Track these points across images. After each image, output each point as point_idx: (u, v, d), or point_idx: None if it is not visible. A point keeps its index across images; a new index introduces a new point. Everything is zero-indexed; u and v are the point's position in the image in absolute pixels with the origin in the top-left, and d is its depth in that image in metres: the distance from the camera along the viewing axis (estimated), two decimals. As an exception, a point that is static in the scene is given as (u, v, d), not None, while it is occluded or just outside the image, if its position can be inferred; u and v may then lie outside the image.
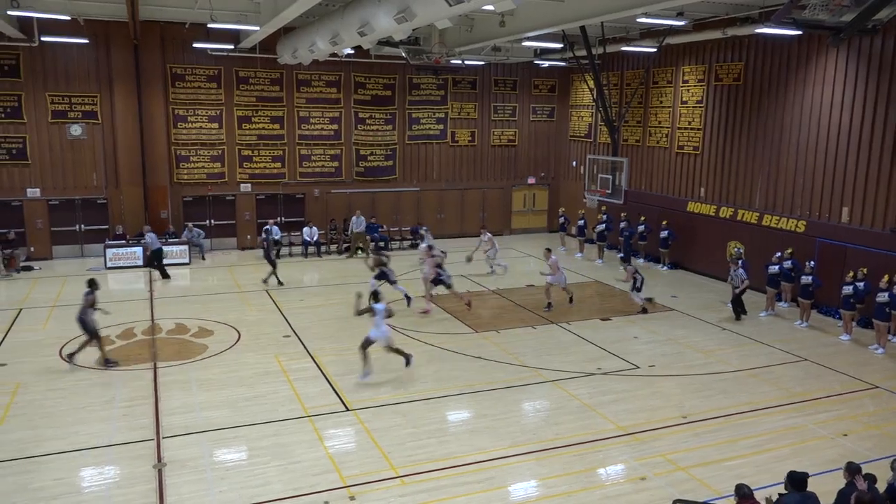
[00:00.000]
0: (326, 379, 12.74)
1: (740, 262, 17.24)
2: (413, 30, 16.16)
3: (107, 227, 22.90)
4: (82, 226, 22.84)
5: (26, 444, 10.07)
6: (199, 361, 13.65)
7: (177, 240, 22.49)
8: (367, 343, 12.63)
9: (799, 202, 18.56)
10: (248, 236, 24.81)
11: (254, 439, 10.37)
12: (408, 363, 12.91)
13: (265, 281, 19.72)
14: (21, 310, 16.89)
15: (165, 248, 21.40)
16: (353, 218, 24.34)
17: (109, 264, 21.40)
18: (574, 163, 28.25)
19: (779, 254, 17.54)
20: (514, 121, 28.19)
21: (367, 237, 24.60)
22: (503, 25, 17.08)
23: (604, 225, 23.62)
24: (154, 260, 20.48)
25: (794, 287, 17.46)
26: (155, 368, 13.17)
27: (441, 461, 9.77)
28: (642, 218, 22.90)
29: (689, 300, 18.64)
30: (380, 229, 25.38)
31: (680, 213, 22.22)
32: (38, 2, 16.42)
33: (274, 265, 19.91)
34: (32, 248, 21.97)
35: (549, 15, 15.73)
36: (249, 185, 24.62)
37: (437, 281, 17.34)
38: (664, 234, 22.15)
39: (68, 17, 17.78)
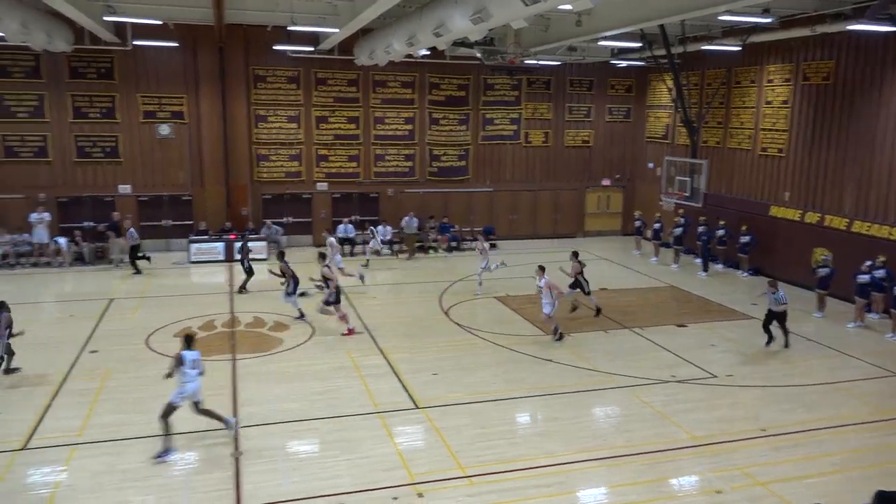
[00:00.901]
0: (397, 376, 12.89)
1: (777, 291, 14.63)
2: (488, 30, 16.15)
3: (191, 222, 23.87)
4: (169, 221, 23.89)
5: (115, 427, 10.60)
6: (275, 355, 14.04)
7: (256, 236, 23.21)
8: (169, 410, 9.89)
9: (893, 207, 17.58)
10: (324, 234, 25.34)
11: (325, 433, 10.60)
12: (227, 427, 10.37)
13: (242, 289, 18.84)
14: (111, 300, 17.79)
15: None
16: (405, 218, 24.47)
17: (193, 258, 22.29)
18: (651, 165, 27.62)
19: (869, 262, 16.62)
20: (589, 121, 27.80)
21: (440, 236, 24.76)
22: (580, 25, 16.86)
23: (681, 228, 23.00)
24: (132, 253, 20.94)
25: (885, 298, 16.53)
26: (234, 360, 13.62)
27: (510, 463, 9.73)
28: (721, 222, 22.18)
29: (770, 308, 17.91)
30: (452, 229, 25.50)
31: (762, 217, 21.39)
32: (132, 8, 17.28)
33: (250, 273, 19.03)
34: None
35: (627, 13, 15.43)
36: (325, 183, 25.18)
37: (327, 301, 15.31)
38: (745, 238, 21.38)
39: (160, 22, 18.65)
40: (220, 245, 22.40)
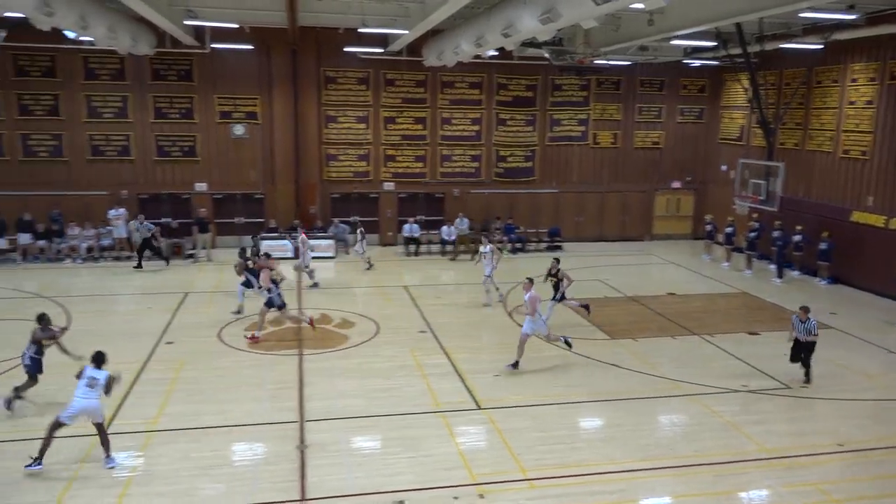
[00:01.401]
0: (459, 376, 12.93)
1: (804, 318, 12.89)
2: (557, 30, 16.03)
3: (262, 220, 24.56)
4: (241, 218, 24.65)
5: (188, 416, 11.01)
6: (340, 351, 14.31)
7: (323, 234, 23.69)
8: (54, 425, 9.31)
9: None
10: (390, 233, 25.69)
11: (388, 430, 10.73)
12: (108, 459, 9.53)
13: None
14: (187, 294, 18.47)
15: (312, 242, 22.63)
16: (457, 220, 24.40)
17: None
18: (724, 167, 26.78)
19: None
20: (659, 122, 27.21)
21: (505, 238, 24.72)
22: (652, 24, 16.54)
23: (755, 233, 22.23)
24: (142, 246, 21.37)
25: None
26: (300, 355, 13.94)
27: (571, 468, 9.64)
28: (798, 227, 21.33)
29: (850, 318, 17.12)
30: (516, 230, 25.40)
31: (843, 222, 20.47)
32: (211, 12, 17.92)
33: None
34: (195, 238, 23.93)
35: (702, 11, 15.03)
36: (392, 183, 25.48)
37: (269, 303, 14.74)
38: (824, 245, 20.50)
39: (236, 25, 19.27)
40: (288, 242, 22.95)
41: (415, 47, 22.68)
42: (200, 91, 23.52)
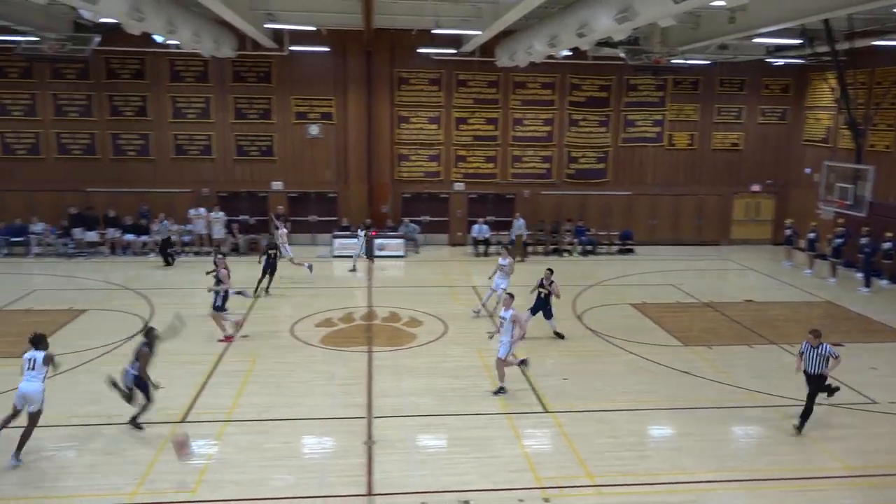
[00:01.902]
0: (526, 378, 12.84)
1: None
2: (633, 29, 15.72)
3: (335, 218, 25.08)
4: (315, 217, 25.22)
5: (261, 408, 11.34)
6: (408, 349, 14.45)
7: (394, 234, 23.98)
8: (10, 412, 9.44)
9: None
10: (459, 233, 25.77)
11: (454, 429, 10.77)
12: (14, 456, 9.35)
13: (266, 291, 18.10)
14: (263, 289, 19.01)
15: (383, 241, 23.09)
16: (515, 221, 24.11)
17: (335, 253, 23.38)
18: (808, 170, 25.65)
19: None
20: (739, 123, 26.31)
21: (575, 240, 24.45)
22: (733, 21, 16.02)
23: (841, 239, 21.20)
24: (165, 246, 21.78)
25: None
26: (370, 352, 14.16)
27: (640, 476, 9.44)
28: (888, 234, 20.22)
29: (944, 331, 16.14)
30: (587, 233, 25.05)
31: (938, 230, 19.29)
32: (290, 15, 18.41)
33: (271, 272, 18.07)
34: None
35: (787, 8, 14.42)
36: (462, 183, 25.55)
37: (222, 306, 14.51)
38: (916, 253, 19.39)
39: (314, 28, 19.73)
40: (358, 241, 23.31)
41: (487, 48, 22.67)
42: (278, 92, 24.20)
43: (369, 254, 22.38)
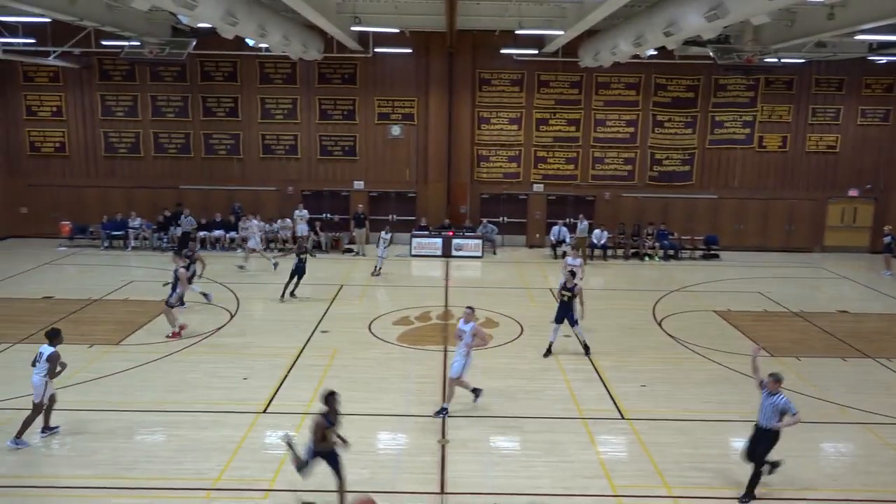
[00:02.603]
0: (603, 383, 12.64)
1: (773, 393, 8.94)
2: (724, 27, 15.20)
3: (413, 218, 25.38)
4: (394, 216, 25.62)
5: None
6: (484, 350, 14.41)
7: (472, 234, 24.06)
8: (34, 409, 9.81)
9: None
10: (538, 235, 25.61)
11: (528, 432, 10.70)
12: (14, 439, 9.79)
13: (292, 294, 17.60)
14: (342, 286, 19.47)
15: (461, 242, 23.21)
16: (578, 224, 23.62)
17: (414, 252, 23.67)
18: (911, 174, 24.17)
19: None
20: (836, 125, 25.02)
21: (657, 244, 23.87)
22: (832, 18, 15.24)
23: (947, 249, 19.86)
24: (185, 240, 22.04)
25: None
26: (445, 351, 14.25)
27: (722, 490, 9.13)
28: None
29: None
30: (670, 236, 24.40)
31: None
32: (375, 18, 18.78)
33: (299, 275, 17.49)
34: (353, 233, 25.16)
35: (892, 2, 13.61)
36: (542, 185, 25.37)
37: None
38: None
39: (397, 30, 20.04)
40: (438, 241, 23.55)
41: (570, 48, 22.41)
42: (361, 93, 24.72)
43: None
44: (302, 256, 17.58)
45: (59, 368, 9.87)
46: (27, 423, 9.85)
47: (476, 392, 11.49)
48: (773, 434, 8.72)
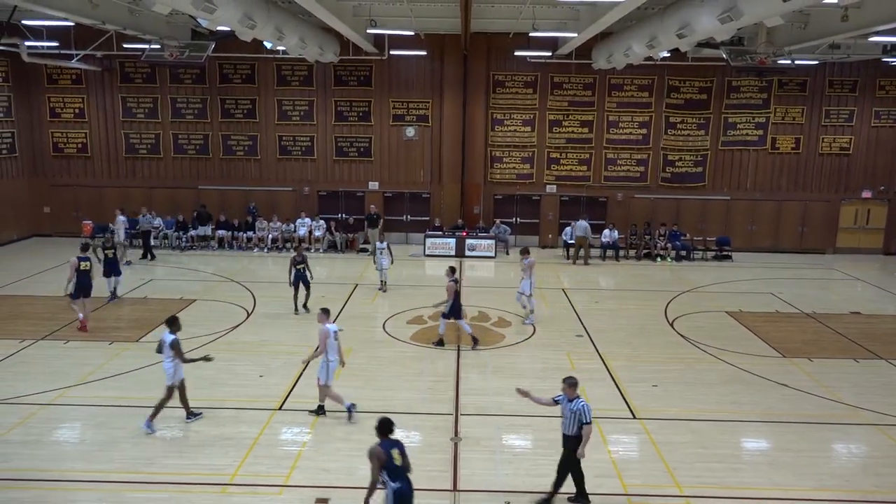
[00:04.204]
0: (615, 383, 12.75)
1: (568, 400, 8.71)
2: (737, 29, 15.26)
3: (427, 218, 25.58)
4: (408, 216, 25.83)
5: (352, 400, 11.68)
6: (496, 349, 14.61)
7: (485, 234, 24.21)
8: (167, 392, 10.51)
9: None
10: (550, 235, 25.72)
11: (540, 430, 10.81)
12: (147, 422, 10.47)
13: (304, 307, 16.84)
14: (357, 285, 19.68)
15: (473, 242, 23.38)
16: (576, 222, 23.44)
17: (427, 252, 23.86)
18: (927, 176, 24.04)
19: None
20: (849, 126, 24.94)
21: (669, 245, 23.91)
22: (846, 20, 15.25)
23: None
24: (146, 239, 22.34)
25: None
26: (458, 350, 14.41)
27: (733, 489, 9.21)
28: None
29: None
30: (682, 237, 24.43)
31: None
32: (391, 21, 18.98)
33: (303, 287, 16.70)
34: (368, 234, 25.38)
35: (907, 5, 13.65)
36: (555, 186, 25.48)
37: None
38: None
39: (412, 33, 20.23)
40: (452, 241, 23.73)
41: (583, 50, 22.51)
42: (377, 95, 24.94)
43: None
44: (299, 267, 16.45)
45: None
46: (159, 407, 10.42)
47: (319, 409, 11.14)
48: (579, 440, 8.54)
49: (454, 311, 14.42)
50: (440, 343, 14.58)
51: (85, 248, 15.64)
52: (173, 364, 10.38)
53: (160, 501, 8.67)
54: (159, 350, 10.46)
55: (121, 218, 22.06)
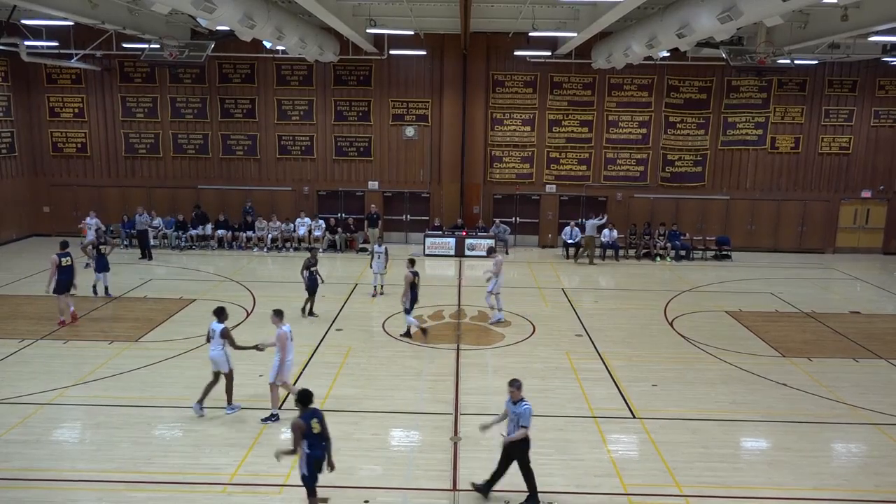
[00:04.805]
0: (615, 382, 12.76)
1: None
2: (737, 29, 15.26)
3: (427, 218, 25.58)
4: (408, 216, 25.84)
5: (352, 400, 11.80)
6: (496, 349, 14.61)
7: (485, 234, 24.21)
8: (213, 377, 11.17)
9: None
10: (549, 235, 25.73)
11: (540, 430, 10.77)
12: (228, 406, 11.02)
13: (311, 313, 16.46)
14: (356, 285, 19.67)
15: (473, 241, 23.40)
16: (586, 221, 23.53)
17: (427, 251, 23.86)
18: (927, 176, 24.05)
19: None
20: (849, 126, 24.95)
21: (669, 245, 23.92)
22: (846, 19, 15.28)
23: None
24: (143, 239, 22.32)
25: None
26: (458, 350, 14.41)
27: (732, 489, 9.22)
28: None
29: None
30: (681, 237, 24.43)
31: None
32: (391, 20, 18.98)
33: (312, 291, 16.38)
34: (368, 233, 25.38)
35: (906, 5, 13.66)
36: (554, 185, 25.48)
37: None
38: None
39: (412, 32, 20.23)
40: (451, 240, 23.73)
41: (583, 50, 22.52)
42: (376, 95, 24.94)
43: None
44: (312, 270, 16.28)
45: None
46: (230, 391, 11.04)
47: (273, 418, 10.93)
48: (524, 441, 8.62)
49: (412, 302, 14.90)
50: (407, 334, 15.00)
51: (64, 245, 15.85)
52: (223, 351, 10.83)
53: (160, 501, 8.67)
54: (209, 339, 10.89)
55: (90, 220, 21.89)
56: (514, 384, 8.80)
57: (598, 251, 23.94)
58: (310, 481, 7.99)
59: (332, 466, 8.16)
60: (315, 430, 7.92)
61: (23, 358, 13.32)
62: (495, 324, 16.20)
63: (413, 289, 14.86)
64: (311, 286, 16.29)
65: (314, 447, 7.92)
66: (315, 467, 7.95)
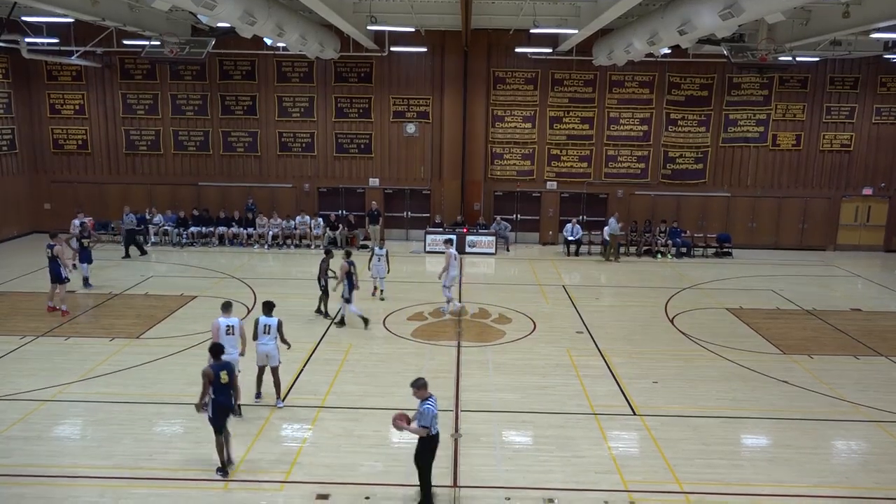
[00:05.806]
0: (615, 379, 12.76)
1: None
2: (738, 26, 15.24)
3: (428, 215, 25.58)
4: (409, 213, 25.83)
5: (353, 396, 11.81)
6: (497, 346, 14.62)
7: (486, 231, 24.21)
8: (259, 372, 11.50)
9: None
10: (550, 232, 25.72)
11: (540, 427, 10.84)
12: (278, 400, 11.26)
13: (325, 314, 16.28)
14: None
15: (474, 239, 23.40)
16: (611, 220, 23.58)
17: (428, 248, 23.85)
18: (928, 173, 24.03)
19: None
20: (850, 123, 24.91)
21: (670, 242, 23.91)
22: (847, 16, 15.25)
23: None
24: (128, 238, 22.26)
25: None
26: (458, 347, 14.42)
27: (733, 486, 9.22)
28: None
29: None
30: (682, 234, 24.43)
31: None
32: (391, 17, 18.96)
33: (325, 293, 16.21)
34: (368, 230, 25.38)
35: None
36: (555, 182, 25.46)
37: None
38: None
39: (413, 29, 20.21)
40: (452, 237, 23.67)
41: (584, 47, 22.48)
42: (377, 92, 24.91)
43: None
44: (328, 272, 16.11)
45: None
46: (279, 384, 11.32)
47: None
48: (425, 440, 8.54)
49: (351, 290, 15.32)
50: (341, 323, 15.53)
51: (53, 236, 16.35)
52: (276, 345, 11.08)
53: (161, 497, 8.68)
54: (262, 333, 11.04)
55: (75, 221, 21.68)
56: (416, 384, 8.77)
57: (598, 248, 23.95)
58: (215, 422, 9.03)
59: (237, 413, 9.80)
60: (223, 381, 9.01)
61: (24, 354, 13.34)
62: (456, 312, 16.44)
63: (349, 277, 15.29)
64: (327, 286, 16.26)
65: (219, 394, 8.98)
66: (220, 413, 9.00)
